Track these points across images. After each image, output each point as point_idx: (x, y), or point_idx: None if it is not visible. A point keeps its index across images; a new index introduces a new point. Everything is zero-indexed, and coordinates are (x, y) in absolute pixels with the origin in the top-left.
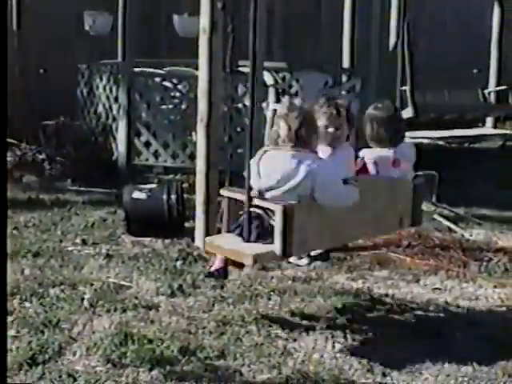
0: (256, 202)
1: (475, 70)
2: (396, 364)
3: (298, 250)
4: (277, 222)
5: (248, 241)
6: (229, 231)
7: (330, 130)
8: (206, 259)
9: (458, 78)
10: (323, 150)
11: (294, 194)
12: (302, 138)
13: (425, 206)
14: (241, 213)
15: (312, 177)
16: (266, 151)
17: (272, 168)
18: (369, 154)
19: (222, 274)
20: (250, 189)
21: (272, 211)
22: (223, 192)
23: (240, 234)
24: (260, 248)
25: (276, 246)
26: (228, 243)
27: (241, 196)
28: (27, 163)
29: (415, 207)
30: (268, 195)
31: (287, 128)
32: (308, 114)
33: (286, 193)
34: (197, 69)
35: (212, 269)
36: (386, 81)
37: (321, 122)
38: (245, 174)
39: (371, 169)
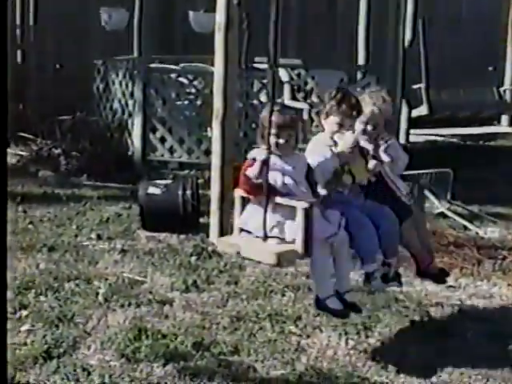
0: (277, 199)
1: (491, 68)
2: (410, 362)
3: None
4: (298, 220)
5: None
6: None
7: (343, 130)
8: (221, 255)
9: (473, 75)
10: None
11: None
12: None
13: (439, 204)
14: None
15: None
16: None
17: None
18: None
19: None
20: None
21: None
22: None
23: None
24: (281, 247)
25: (298, 245)
26: (245, 242)
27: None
28: (43, 158)
29: None
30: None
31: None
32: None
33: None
34: (212, 65)
35: None
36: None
37: (334, 119)
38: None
39: None
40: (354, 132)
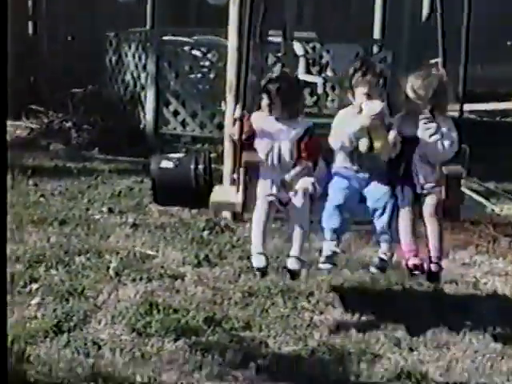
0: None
1: (509, 43)
2: (423, 339)
3: None
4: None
5: None
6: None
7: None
8: (233, 229)
9: (491, 50)
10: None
11: None
12: None
13: None
14: None
15: None
16: None
17: None
18: None
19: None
20: None
21: None
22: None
23: None
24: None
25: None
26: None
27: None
28: (54, 131)
29: None
30: None
31: None
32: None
33: None
34: (226, 38)
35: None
36: (418, 52)
37: (361, 89)
38: None
39: None
40: (383, 101)
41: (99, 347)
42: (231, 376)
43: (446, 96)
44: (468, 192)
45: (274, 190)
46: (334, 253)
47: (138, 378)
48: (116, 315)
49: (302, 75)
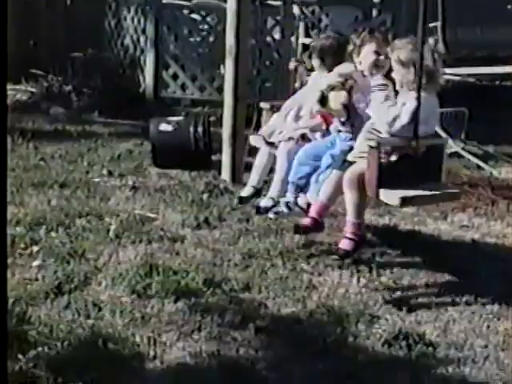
0: None
1: (510, 6)
2: (421, 300)
3: None
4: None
5: None
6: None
7: (382, 57)
8: (233, 192)
9: (490, 13)
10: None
11: None
12: None
13: (454, 143)
14: None
15: None
16: None
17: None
18: None
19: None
20: None
21: None
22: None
23: None
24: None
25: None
26: None
27: None
28: (54, 95)
29: None
30: None
31: None
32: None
33: None
34: (225, 1)
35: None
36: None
37: (369, 47)
38: None
39: None
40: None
41: (99, 309)
42: (230, 337)
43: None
44: (466, 155)
45: (266, 133)
46: (286, 205)
47: (138, 339)
48: (116, 277)
49: (301, 39)
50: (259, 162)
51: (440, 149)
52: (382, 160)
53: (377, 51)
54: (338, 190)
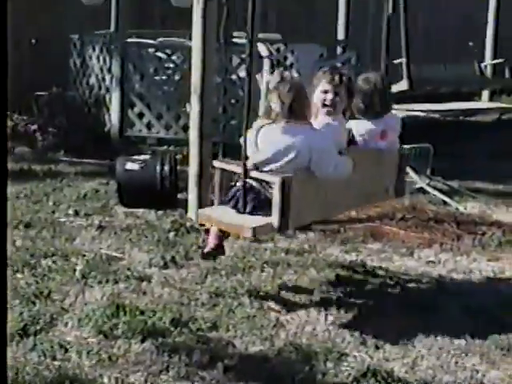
0: (253, 174)
1: (471, 43)
2: (389, 337)
3: (293, 222)
4: (275, 195)
5: (243, 213)
6: (222, 203)
7: (329, 96)
8: (199, 231)
9: (454, 51)
10: (320, 120)
11: (291, 167)
12: (295, 111)
13: (419, 179)
14: (232, 184)
15: (308, 149)
16: (262, 125)
17: (269, 142)
18: (356, 126)
19: (220, 251)
20: (246, 159)
21: (268, 183)
22: (216, 164)
23: (234, 206)
24: (258, 221)
25: (274, 219)
26: (223, 215)
27: (235, 168)
28: (19, 134)
29: (399, 177)
30: (266, 169)
31: (280, 102)
32: (300, 87)
33: (284, 166)
34: (191, 39)
35: (207, 248)
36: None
37: (321, 87)
38: (241, 141)
39: (359, 141)
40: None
41: (66, 350)
42: (198, 376)
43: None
44: (432, 190)
45: None
46: None
47: (105, 380)
48: (83, 318)
49: (266, 76)
50: None
51: None
52: None
53: (325, 90)
54: None
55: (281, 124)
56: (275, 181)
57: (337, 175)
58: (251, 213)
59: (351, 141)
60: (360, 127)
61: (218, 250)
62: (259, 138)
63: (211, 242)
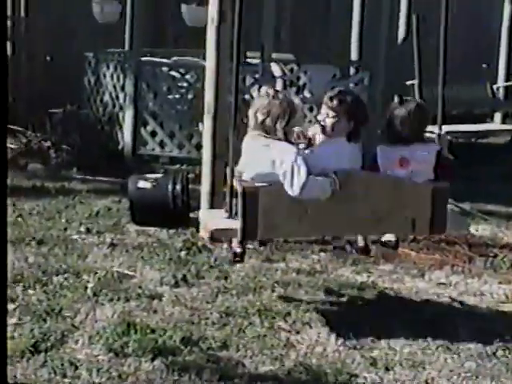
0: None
1: (484, 65)
2: (399, 358)
3: (264, 233)
4: (239, 202)
5: (233, 217)
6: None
7: (323, 117)
8: (211, 250)
9: (466, 72)
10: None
11: (266, 179)
12: (267, 126)
13: None
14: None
15: (279, 163)
16: (250, 135)
17: (249, 152)
18: (378, 151)
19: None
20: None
21: None
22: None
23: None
24: (229, 224)
25: (238, 225)
26: (211, 220)
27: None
28: (33, 151)
29: (435, 213)
30: (245, 177)
31: (253, 116)
32: (278, 104)
33: (258, 178)
34: (204, 59)
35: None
36: (395, 74)
37: (322, 110)
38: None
39: (380, 166)
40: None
41: (76, 367)
42: None
43: None
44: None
45: None
46: None
47: None
48: (93, 335)
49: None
50: None
51: None
52: None
53: (326, 113)
54: None
55: (261, 136)
56: (238, 189)
57: (304, 195)
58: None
59: (373, 165)
60: (380, 152)
61: (243, 255)
62: (243, 147)
63: (235, 246)
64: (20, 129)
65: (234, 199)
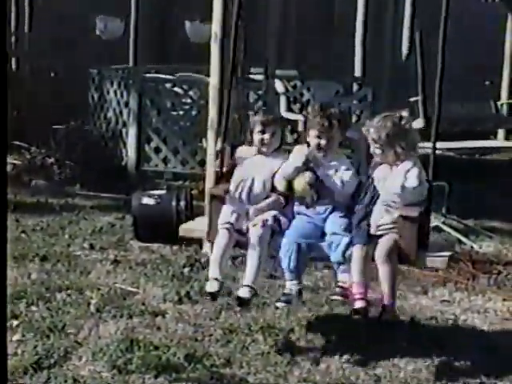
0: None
1: (487, 82)
2: (403, 376)
3: None
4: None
5: None
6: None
7: (322, 141)
8: None
9: (470, 89)
10: None
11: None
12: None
13: (435, 218)
14: None
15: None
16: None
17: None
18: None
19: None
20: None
21: None
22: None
23: None
24: (196, 224)
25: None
26: (196, 224)
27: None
28: (36, 167)
29: (420, 247)
30: None
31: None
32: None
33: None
34: (208, 75)
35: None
36: (398, 90)
37: (313, 132)
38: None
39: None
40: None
41: None
42: None
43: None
44: (447, 229)
45: (233, 219)
46: (292, 292)
47: None
48: (97, 352)
49: (284, 113)
50: (218, 251)
51: None
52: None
53: (318, 136)
54: (367, 265)
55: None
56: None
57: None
58: None
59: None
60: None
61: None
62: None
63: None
64: (24, 145)
65: None
